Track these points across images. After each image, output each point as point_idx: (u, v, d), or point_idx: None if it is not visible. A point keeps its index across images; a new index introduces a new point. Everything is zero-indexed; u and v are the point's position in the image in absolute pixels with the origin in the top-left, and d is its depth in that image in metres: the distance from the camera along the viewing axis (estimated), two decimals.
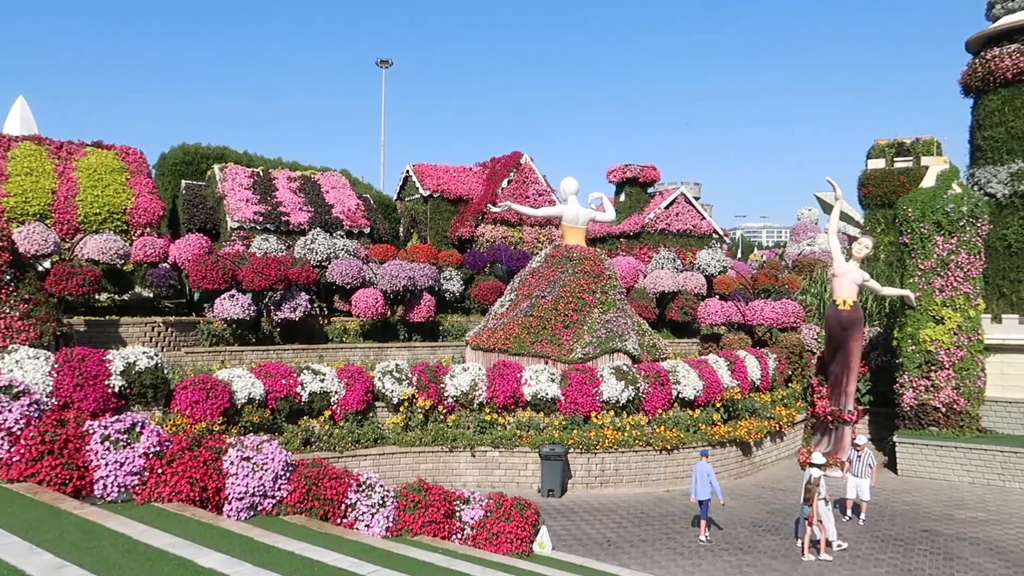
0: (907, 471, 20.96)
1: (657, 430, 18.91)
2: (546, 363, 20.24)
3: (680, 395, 19.87)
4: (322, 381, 17.31)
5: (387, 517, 11.60)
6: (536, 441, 17.94)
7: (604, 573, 12.03)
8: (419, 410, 18.22)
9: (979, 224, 21.98)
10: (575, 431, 18.36)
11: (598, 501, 17.36)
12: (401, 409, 18.20)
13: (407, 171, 36.79)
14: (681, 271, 31.42)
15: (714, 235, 39.74)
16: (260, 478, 10.71)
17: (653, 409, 19.46)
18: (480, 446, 17.90)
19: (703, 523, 14.69)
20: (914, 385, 21.95)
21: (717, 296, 30.49)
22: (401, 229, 37.57)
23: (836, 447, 21.71)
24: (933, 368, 21.71)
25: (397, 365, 18.50)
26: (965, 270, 21.83)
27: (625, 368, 19.53)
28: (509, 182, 34.62)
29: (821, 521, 13.89)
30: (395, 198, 38.47)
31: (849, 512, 16.69)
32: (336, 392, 17.49)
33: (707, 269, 31.91)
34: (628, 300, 24.57)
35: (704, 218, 39.59)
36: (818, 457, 14.44)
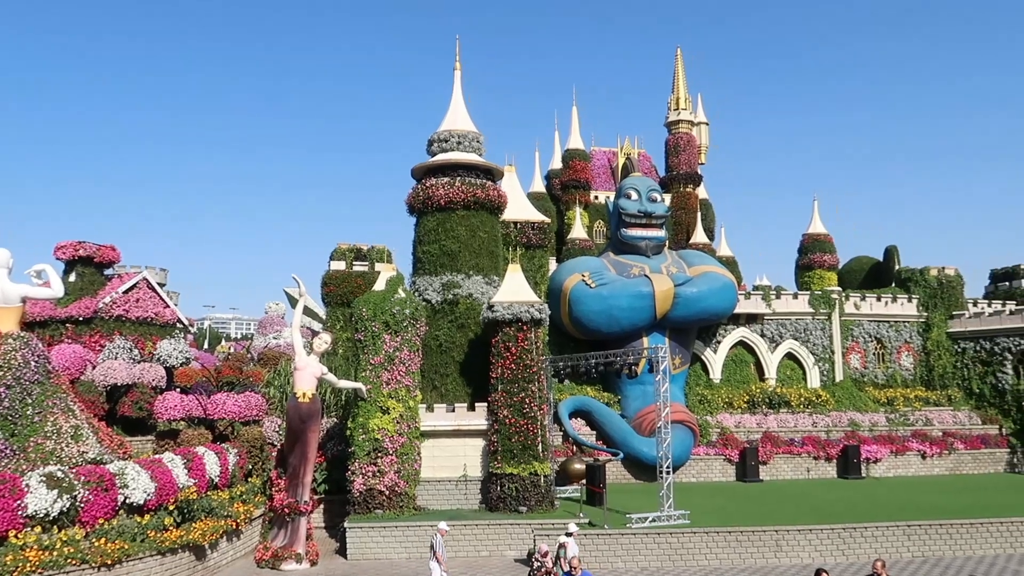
0: (356, 555, 22.28)
1: (96, 543, 16.66)
2: None
3: (128, 500, 17.98)
4: None
5: None
6: None
7: None
8: None
9: (419, 325, 25.48)
10: None
11: None
12: None
13: None
14: (139, 362, 29.09)
15: (179, 324, 37.90)
16: None
17: (93, 519, 17.15)
18: None
19: None
20: (363, 471, 23.79)
21: (178, 389, 28.91)
22: None
23: (292, 539, 21.98)
24: (380, 455, 23.88)
25: None
26: (407, 365, 24.91)
27: (60, 474, 16.92)
28: None
29: None
30: None
31: None
32: None
33: (168, 360, 30.11)
34: (71, 394, 21.55)
35: (168, 306, 37.55)
36: (572, 527, 18.18)
